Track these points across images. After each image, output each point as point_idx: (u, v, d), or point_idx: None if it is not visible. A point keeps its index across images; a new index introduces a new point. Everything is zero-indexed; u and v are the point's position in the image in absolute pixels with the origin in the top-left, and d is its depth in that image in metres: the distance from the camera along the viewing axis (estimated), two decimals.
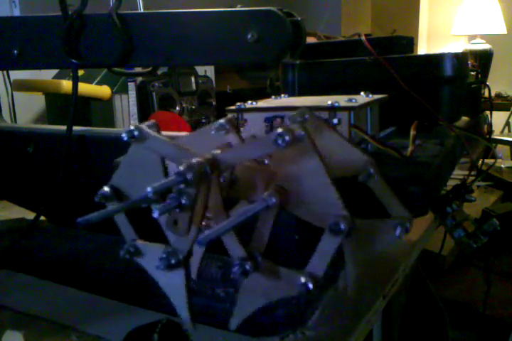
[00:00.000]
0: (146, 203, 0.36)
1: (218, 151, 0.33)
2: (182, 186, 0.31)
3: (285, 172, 0.35)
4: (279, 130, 0.31)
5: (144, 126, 0.37)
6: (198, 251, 0.42)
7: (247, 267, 0.34)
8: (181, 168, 0.31)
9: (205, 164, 0.32)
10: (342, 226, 0.32)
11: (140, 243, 0.40)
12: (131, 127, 0.36)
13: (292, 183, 0.34)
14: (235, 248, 0.35)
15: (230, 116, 0.40)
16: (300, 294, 0.34)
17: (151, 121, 0.38)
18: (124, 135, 0.36)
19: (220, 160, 0.33)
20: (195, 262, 0.43)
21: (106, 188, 0.39)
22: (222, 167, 0.33)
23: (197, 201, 0.32)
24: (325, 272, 0.34)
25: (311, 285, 0.33)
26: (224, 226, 0.32)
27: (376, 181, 0.38)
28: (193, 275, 0.44)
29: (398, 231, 0.38)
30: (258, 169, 0.36)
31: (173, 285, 0.39)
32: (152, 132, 0.36)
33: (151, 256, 0.39)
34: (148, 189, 0.31)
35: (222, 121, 0.38)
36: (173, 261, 0.35)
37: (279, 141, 0.31)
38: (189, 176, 0.31)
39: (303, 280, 0.33)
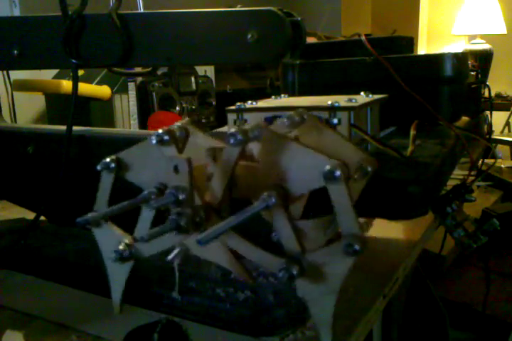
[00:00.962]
0: (146, 203, 0.37)
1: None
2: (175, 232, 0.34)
3: (278, 169, 0.35)
4: (232, 130, 0.33)
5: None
6: None
7: (294, 271, 0.33)
8: (173, 216, 0.33)
9: (200, 211, 0.34)
10: (337, 173, 0.32)
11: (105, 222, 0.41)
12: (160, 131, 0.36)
13: (285, 174, 0.34)
14: (266, 258, 0.35)
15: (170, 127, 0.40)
16: (354, 259, 0.33)
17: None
18: (152, 138, 0.36)
19: (212, 202, 0.35)
20: None
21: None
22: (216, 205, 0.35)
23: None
24: None
25: (357, 246, 0.32)
26: (223, 226, 0.32)
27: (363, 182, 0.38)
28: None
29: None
30: (257, 169, 0.36)
31: (118, 271, 0.42)
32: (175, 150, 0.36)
33: (106, 234, 0.41)
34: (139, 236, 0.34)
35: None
36: (125, 254, 0.37)
37: (231, 140, 0.33)
38: (183, 223, 0.33)
39: (342, 244, 0.33)
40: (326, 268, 0.34)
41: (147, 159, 0.39)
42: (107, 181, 0.40)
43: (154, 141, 0.35)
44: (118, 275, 0.43)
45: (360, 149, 0.37)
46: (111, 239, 0.41)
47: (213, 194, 0.35)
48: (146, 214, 0.40)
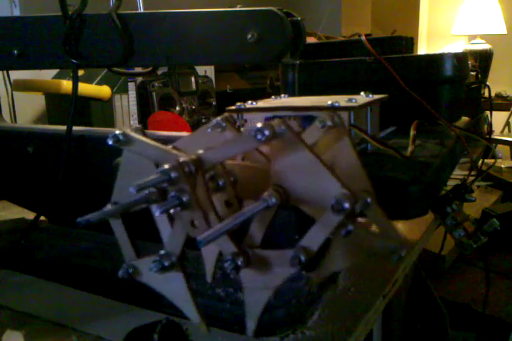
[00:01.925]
0: (146, 203, 0.36)
1: (201, 151, 0.33)
2: (166, 185, 0.32)
3: (281, 170, 0.35)
4: (259, 125, 0.32)
5: (128, 130, 0.37)
6: (212, 253, 0.42)
7: (239, 262, 0.34)
8: (166, 166, 0.31)
9: (188, 163, 0.32)
10: (345, 205, 0.31)
11: (136, 262, 0.40)
12: (117, 131, 0.36)
13: (288, 178, 0.34)
14: (226, 244, 0.35)
15: (227, 114, 0.40)
16: (296, 269, 0.34)
17: (136, 126, 0.39)
18: (109, 139, 0.36)
19: (203, 160, 0.33)
20: (209, 265, 0.43)
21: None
22: (207, 166, 0.34)
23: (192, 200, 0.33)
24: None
25: (303, 258, 0.33)
26: (224, 226, 0.32)
27: (373, 210, 0.37)
28: (208, 279, 0.44)
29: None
30: (258, 168, 0.36)
31: (173, 290, 0.39)
32: (136, 135, 0.36)
33: (148, 270, 0.38)
34: (131, 188, 0.31)
35: (218, 119, 0.38)
36: (166, 264, 0.36)
37: (259, 136, 0.31)
38: (173, 175, 0.31)
39: (292, 253, 0.33)
40: (271, 268, 0.35)
41: (132, 168, 0.38)
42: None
43: (111, 142, 0.36)
44: (177, 294, 0.40)
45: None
46: None
47: (210, 155, 0.34)
48: (161, 220, 0.40)
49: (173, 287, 0.38)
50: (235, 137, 0.36)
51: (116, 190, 0.39)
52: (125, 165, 0.39)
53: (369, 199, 0.33)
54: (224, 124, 0.38)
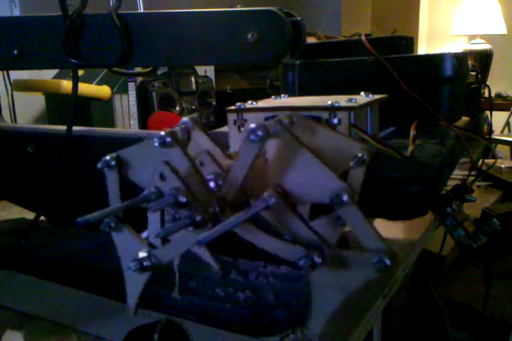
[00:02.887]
0: (146, 203, 0.36)
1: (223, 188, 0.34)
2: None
3: (278, 170, 0.35)
4: (252, 126, 0.32)
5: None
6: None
7: (315, 259, 0.32)
8: (187, 212, 0.32)
9: (214, 206, 0.33)
10: (344, 198, 0.32)
11: (124, 225, 0.40)
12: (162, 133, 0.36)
13: (288, 177, 0.34)
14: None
15: (194, 115, 0.40)
16: (375, 274, 0.32)
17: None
18: (155, 140, 0.36)
19: (227, 194, 0.34)
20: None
21: None
22: (232, 198, 0.34)
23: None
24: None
25: (388, 262, 0.32)
26: (224, 226, 0.32)
27: (361, 170, 0.38)
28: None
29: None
30: (258, 169, 0.36)
31: (135, 277, 0.41)
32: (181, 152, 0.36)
33: (126, 240, 0.40)
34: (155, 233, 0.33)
35: (184, 118, 0.39)
36: (145, 264, 0.36)
37: (252, 137, 0.32)
38: (198, 218, 0.32)
39: (376, 258, 0.32)
40: (348, 269, 0.34)
41: (147, 158, 0.38)
42: (111, 179, 0.40)
43: (157, 144, 0.35)
44: (136, 280, 0.42)
45: (353, 139, 0.38)
46: (130, 245, 0.40)
47: (229, 188, 0.35)
48: (153, 217, 0.40)
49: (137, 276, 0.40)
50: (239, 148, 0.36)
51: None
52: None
53: (345, 197, 0.32)
54: (191, 124, 0.38)
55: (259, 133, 0.32)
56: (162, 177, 0.36)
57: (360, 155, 0.37)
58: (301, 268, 0.32)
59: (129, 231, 0.41)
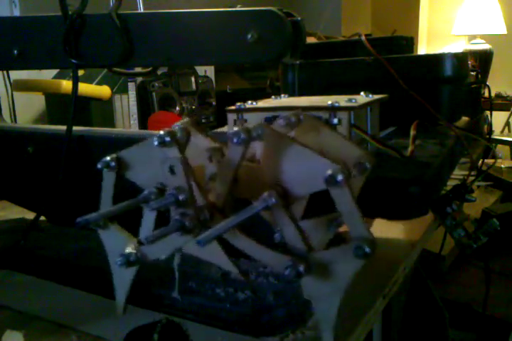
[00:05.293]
0: (146, 203, 0.37)
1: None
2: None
3: (274, 169, 0.35)
4: (235, 128, 0.33)
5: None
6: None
7: (300, 269, 0.33)
8: (177, 217, 0.33)
9: (204, 211, 0.34)
10: (339, 177, 0.32)
11: (112, 224, 0.41)
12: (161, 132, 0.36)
13: (285, 176, 0.34)
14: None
15: (186, 119, 0.40)
16: (361, 262, 0.33)
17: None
18: (154, 139, 0.36)
19: (216, 200, 0.35)
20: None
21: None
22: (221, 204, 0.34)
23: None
24: None
25: (367, 248, 0.32)
26: (223, 226, 0.32)
27: (361, 179, 0.38)
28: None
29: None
30: (257, 169, 0.36)
31: (122, 274, 0.42)
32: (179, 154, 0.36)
33: (114, 237, 0.41)
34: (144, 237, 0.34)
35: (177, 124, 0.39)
36: (131, 259, 0.37)
37: (235, 140, 0.33)
38: (187, 223, 0.34)
39: (353, 245, 0.32)
40: (334, 268, 0.34)
41: (147, 159, 0.39)
42: (109, 180, 0.40)
43: (156, 143, 0.35)
44: (123, 277, 0.43)
45: (358, 146, 0.38)
46: (117, 242, 0.41)
47: (217, 193, 0.35)
48: (148, 216, 0.40)
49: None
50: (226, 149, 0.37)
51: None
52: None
53: (340, 177, 0.31)
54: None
55: (242, 136, 0.33)
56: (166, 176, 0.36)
57: (362, 162, 0.37)
58: (286, 277, 0.33)
59: (116, 228, 0.41)
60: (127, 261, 0.37)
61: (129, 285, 0.43)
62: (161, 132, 0.35)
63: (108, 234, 0.42)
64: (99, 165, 0.39)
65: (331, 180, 0.32)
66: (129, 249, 0.38)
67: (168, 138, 0.35)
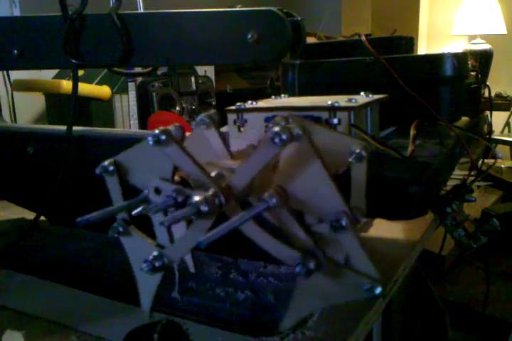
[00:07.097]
0: (146, 203, 0.36)
1: (229, 176, 0.33)
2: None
3: (285, 172, 0.35)
4: (276, 128, 0.31)
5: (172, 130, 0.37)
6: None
7: (311, 266, 0.33)
8: (196, 198, 0.31)
9: (219, 195, 0.32)
10: (343, 223, 0.32)
11: (131, 228, 0.40)
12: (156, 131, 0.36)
13: (292, 182, 0.34)
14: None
15: (211, 111, 0.40)
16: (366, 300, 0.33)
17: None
18: (149, 139, 0.35)
19: (234, 187, 0.33)
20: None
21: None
22: (238, 192, 0.33)
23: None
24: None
25: (378, 291, 0.33)
26: (224, 227, 0.32)
27: (362, 166, 0.37)
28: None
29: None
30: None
31: (147, 279, 0.40)
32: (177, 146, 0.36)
33: (136, 244, 0.40)
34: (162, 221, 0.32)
35: (202, 115, 0.38)
36: (157, 264, 0.36)
37: (276, 140, 0.31)
38: (203, 208, 0.32)
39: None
40: (337, 285, 0.34)
41: (145, 160, 0.38)
42: (111, 183, 0.40)
43: (151, 142, 0.35)
44: (148, 283, 0.42)
45: (350, 136, 0.37)
46: (140, 248, 0.40)
47: (238, 181, 0.34)
48: (157, 219, 0.40)
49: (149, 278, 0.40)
50: (253, 151, 0.35)
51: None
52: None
53: (344, 222, 0.32)
54: (208, 121, 0.38)
55: (284, 136, 0.31)
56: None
57: (358, 151, 0.37)
58: (296, 274, 0.33)
59: (138, 234, 0.41)
60: (153, 267, 0.36)
61: (154, 291, 0.42)
62: (156, 131, 0.35)
63: (130, 240, 0.41)
64: (97, 171, 0.39)
65: (336, 224, 0.32)
66: (153, 255, 0.37)
67: (163, 137, 0.35)
